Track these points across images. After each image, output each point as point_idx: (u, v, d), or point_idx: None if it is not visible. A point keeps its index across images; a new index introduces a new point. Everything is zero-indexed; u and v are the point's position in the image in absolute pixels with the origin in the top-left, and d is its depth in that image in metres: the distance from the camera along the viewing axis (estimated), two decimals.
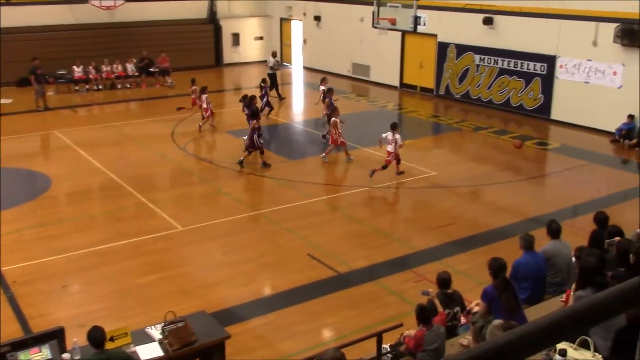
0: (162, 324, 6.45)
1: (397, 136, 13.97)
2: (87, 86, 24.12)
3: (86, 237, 11.16)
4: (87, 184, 14.22)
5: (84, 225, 11.86)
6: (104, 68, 24.59)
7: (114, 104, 22.84)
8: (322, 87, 18.74)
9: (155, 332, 6.54)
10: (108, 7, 25.57)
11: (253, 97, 16.71)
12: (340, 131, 15.36)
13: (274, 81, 21.67)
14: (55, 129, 18.54)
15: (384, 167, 14.01)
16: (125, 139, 17.79)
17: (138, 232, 11.38)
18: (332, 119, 15.35)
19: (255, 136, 14.99)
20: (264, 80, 19.89)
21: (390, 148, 13.98)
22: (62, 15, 25.75)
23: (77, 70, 23.86)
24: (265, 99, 19.26)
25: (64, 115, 20.67)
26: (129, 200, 13.08)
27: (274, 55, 22.73)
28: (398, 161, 14.17)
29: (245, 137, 15.42)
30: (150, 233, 11.31)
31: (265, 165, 15.02)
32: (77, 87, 23.82)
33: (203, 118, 18.28)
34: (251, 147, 15.07)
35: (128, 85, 25.03)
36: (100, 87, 24.51)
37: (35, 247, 10.76)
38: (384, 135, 14.11)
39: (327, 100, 17.51)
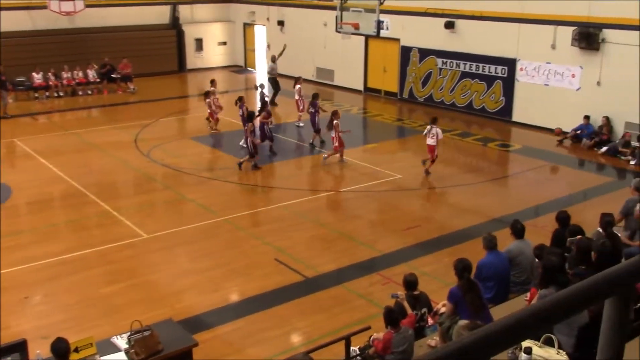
0: (128, 333, 6.36)
1: (436, 130, 14.40)
2: (47, 93, 23.70)
3: (48, 247, 10.94)
4: (48, 192, 13.95)
5: (45, 234, 11.63)
6: (65, 75, 24.19)
7: (75, 111, 22.47)
8: (297, 86, 18.88)
9: (121, 341, 6.45)
10: (68, 13, 25.15)
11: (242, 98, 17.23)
12: (340, 134, 15.49)
13: (275, 86, 22.10)
14: (15, 137, 18.15)
15: (433, 161, 14.67)
16: (87, 146, 17.51)
17: (102, 240, 11.20)
18: (335, 121, 15.39)
19: (265, 127, 16.27)
20: (261, 85, 20.27)
21: (430, 141, 14.47)
22: (20, 21, 25.21)
23: (37, 77, 23.42)
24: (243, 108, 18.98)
25: (23, 123, 20.24)
26: (92, 208, 12.86)
27: (273, 60, 22.64)
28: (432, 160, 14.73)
29: (242, 143, 15.95)
30: (114, 241, 11.15)
31: (256, 167, 15.33)
32: (36, 94, 23.38)
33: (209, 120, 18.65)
34: (255, 153, 15.33)
35: (89, 92, 24.65)
36: (60, 94, 24.10)
37: None
38: (427, 128, 14.72)
39: (308, 104, 17.82)
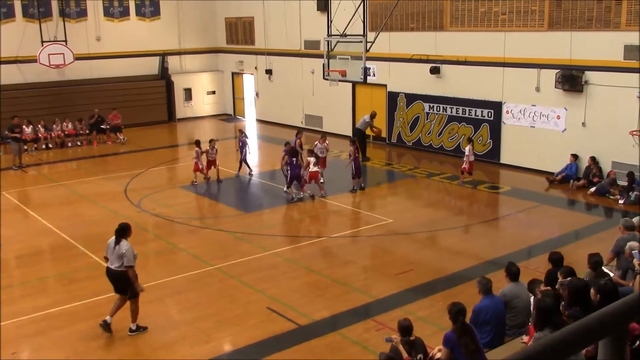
0: None
1: (469, 147, 17.54)
2: (35, 145, 23.73)
3: (36, 301, 10.77)
4: (37, 245, 13.81)
5: (34, 288, 11.46)
6: (54, 127, 24.26)
7: (65, 162, 22.48)
8: (297, 139, 18.36)
9: None
10: (57, 66, 25.39)
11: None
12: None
13: (362, 138, 20.88)
14: (4, 190, 18.07)
15: (470, 173, 17.61)
16: (77, 197, 17.44)
17: (91, 292, 11.04)
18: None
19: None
20: (240, 131, 19.91)
21: (471, 158, 17.42)
22: (10, 74, 25.44)
23: (27, 130, 23.45)
24: (244, 152, 19.07)
25: (13, 176, 20.19)
26: (81, 260, 12.73)
27: (372, 116, 21.27)
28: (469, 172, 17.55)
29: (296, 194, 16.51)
30: (104, 293, 10.98)
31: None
32: (26, 147, 23.41)
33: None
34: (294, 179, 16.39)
35: (79, 143, 24.72)
36: (50, 145, 24.13)
37: None
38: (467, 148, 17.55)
39: (297, 141, 17.81)
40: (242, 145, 19.00)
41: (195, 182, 18.19)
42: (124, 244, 9.39)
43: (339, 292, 11.02)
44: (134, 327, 9.58)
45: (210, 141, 18.44)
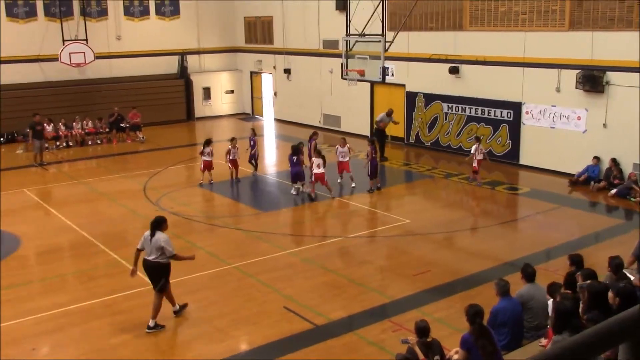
0: None
1: (475, 146, 17.62)
2: (57, 143, 23.99)
3: (56, 298, 10.88)
4: (57, 242, 13.96)
5: (53, 285, 11.58)
6: (75, 125, 24.51)
7: (85, 160, 22.70)
8: (312, 141, 18.10)
9: None
10: (78, 64, 25.66)
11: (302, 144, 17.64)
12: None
13: (381, 137, 20.94)
14: (25, 187, 18.28)
15: (476, 172, 17.63)
16: (97, 195, 17.60)
17: (110, 290, 11.14)
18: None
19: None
20: (252, 130, 20.02)
21: (480, 157, 17.57)
22: (31, 73, 25.77)
23: (48, 129, 23.71)
24: (254, 150, 19.16)
25: (34, 173, 20.43)
26: (100, 258, 12.84)
27: (389, 114, 21.38)
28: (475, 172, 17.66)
29: (305, 189, 16.78)
30: (122, 291, 11.08)
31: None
32: (47, 145, 23.66)
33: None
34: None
35: (99, 142, 24.95)
36: (70, 144, 24.38)
37: (1, 309, 10.44)
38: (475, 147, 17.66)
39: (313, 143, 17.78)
40: (253, 145, 19.06)
41: (204, 182, 18.25)
42: (162, 237, 9.66)
43: (356, 292, 11.00)
44: (152, 324, 9.66)
45: (232, 140, 18.47)
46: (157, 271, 9.74)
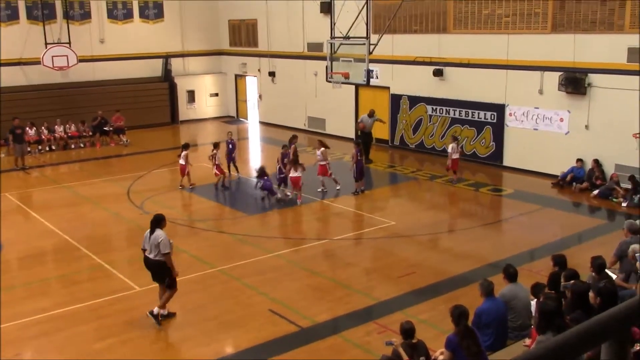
0: None
1: (453, 145, 17.69)
2: (39, 147, 23.78)
3: (39, 303, 10.78)
4: (40, 247, 13.82)
5: (36, 290, 11.47)
6: (58, 129, 24.31)
7: (68, 164, 22.51)
8: (291, 145, 18.09)
9: None
10: (61, 68, 25.45)
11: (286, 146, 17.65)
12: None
13: (366, 140, 20.88)
14: (7, 191, 18.10)
15: (455, 172, 17.85)
16: (80, 199, 17.46)
17: (93, 294, 11.05)
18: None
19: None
20: (229, 133, 19.93)
21: (455, 156, 17.63)
22: (14, 76, 25.51)
23: (30, 132, 23.48)
24: (233, 153, 19.14)
25: (15, 177, 20.23)
26: (84, 262, 12.75)
27: (370, 114, 21.38)
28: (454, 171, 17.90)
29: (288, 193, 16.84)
30: (106, 295, 11.00)
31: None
32: (29, 149, 23.45)
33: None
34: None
35: (82, 145, 24.76)
36: (53, 147, 24.18)
37: None
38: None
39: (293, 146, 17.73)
40: (232, 148, 19.07)
41: (184, 185, 18.17)
42: (160, 234, 9.75)
43: (341, 295, 11.01)
44: (155, 312, 9.84)
45: (215, 145, 18.24)
46: (159, 269, 9.85)
